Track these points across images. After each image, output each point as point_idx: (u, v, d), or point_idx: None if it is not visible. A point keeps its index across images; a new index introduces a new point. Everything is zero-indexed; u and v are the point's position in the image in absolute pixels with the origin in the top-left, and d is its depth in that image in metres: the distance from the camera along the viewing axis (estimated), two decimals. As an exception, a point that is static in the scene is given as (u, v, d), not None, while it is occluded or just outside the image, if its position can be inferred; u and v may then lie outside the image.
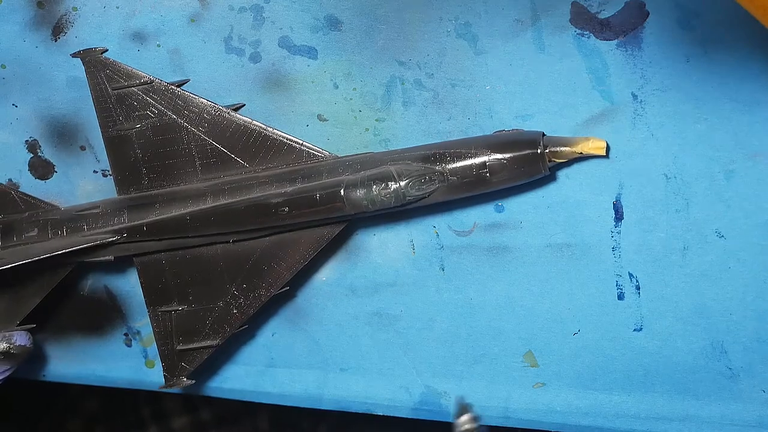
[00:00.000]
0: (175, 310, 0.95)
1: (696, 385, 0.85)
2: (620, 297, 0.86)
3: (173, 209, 0.91)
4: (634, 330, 0.86)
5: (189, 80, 0.93)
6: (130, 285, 1.02)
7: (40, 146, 1.01)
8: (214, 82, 0.93)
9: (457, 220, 0.89)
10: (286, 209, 0.87)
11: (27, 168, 1.02)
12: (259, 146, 0.91)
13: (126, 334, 1.03)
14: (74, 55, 0.94)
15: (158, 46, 0.94)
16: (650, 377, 0.86)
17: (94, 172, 1.00)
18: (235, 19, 0.92)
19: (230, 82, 0.93)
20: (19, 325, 0.98)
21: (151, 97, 0.92)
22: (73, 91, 0.98)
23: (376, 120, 0.90)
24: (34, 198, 0.99)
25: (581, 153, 0.82)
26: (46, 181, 1.01)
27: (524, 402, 0.90)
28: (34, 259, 0.92)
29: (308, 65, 0.91)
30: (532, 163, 0.81)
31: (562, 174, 0.85)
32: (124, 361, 1.04)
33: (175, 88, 0.92)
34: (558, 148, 0.82)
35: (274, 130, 0.91)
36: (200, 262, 0.93)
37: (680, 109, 0.81)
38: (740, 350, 0.83)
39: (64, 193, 1.01)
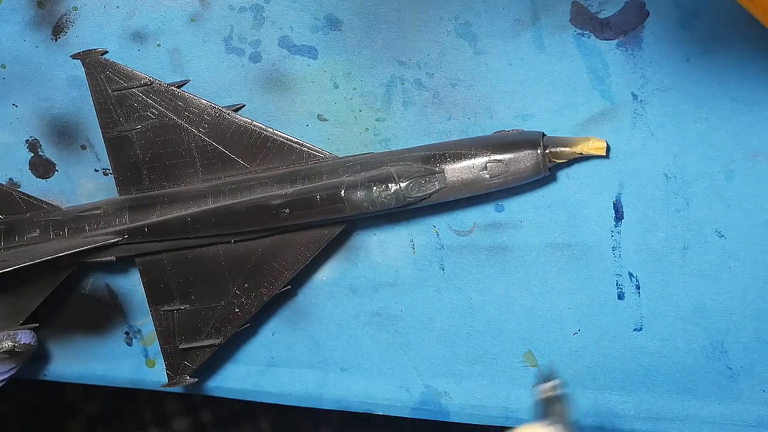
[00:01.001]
0: (177, 309, 0.95)
1: (696, 385, 0.85)
2: (620, 297, 0.86)
3: (174, 210, 0.91)
4: (634, 330, 0.86)
5: (189, 81, 0.93)
6: (131, 283, 1.01)
7: (40, 145, 1.01)
8: (214, 82, 0.93)
9: (457, 220, 0.90)
10: (287, 210, 0.87)
11: (28, 167, 1.02)
12: (260, 147, 0.91)
13: (127, 333, 1.04)
14: (74, 57, 0.94)
15: (158, 45, 0.94)
16: (650, 377, 0.86)
17: (95, 170, 1.00)
18: (235, 18, 0.92)
19: (230, 82, 0.93)
20: (21, 324, 0.98)
21: (151, 98, 0.92)
22: (73, 90, 0.98)
23: (377, 120, 0.90)
24: (35, 198, 0.99)
25: (581, 153, 0.82)
26: (47, 180, 1.01)
27: (524, 402, 0.90)
28: (36, 261, 0.92)
29: (308, 65, 0.91)
30: (532, 164, 0.82)
31: (562, 174, 0.85)
32: (124, 360, 1.04)
33: (175, 89, 0.92)
34: (558, 149, 0.82)
35: (275, 131, 0.91)
36: (202, 262, 0.93)
37: (680, 108, 0.81)
38: (740, 350, 0.83)
39: (65, 191, 1.01)
